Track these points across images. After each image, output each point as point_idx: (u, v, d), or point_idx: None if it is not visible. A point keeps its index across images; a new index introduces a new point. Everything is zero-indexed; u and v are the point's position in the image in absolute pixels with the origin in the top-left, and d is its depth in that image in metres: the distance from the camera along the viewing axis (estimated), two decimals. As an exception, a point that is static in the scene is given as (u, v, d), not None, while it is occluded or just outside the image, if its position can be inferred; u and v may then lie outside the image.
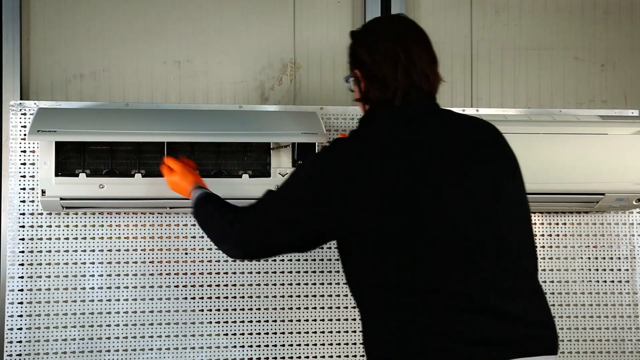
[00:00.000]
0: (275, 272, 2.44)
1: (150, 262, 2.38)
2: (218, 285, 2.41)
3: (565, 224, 2.56)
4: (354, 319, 2.45)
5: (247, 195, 2.22)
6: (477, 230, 1.44)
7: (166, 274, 2.39)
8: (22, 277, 2.33)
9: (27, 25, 2.58)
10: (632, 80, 2.90)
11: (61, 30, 2.61)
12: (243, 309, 2.42)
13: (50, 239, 2.35)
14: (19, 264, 2.33)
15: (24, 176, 2.33)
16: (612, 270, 2.56)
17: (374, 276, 1.46)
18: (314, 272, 2.45)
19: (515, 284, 1.46)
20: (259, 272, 2.43)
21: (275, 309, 2.43)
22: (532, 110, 2.60)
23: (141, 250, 2.39)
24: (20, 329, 2.32)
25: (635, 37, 2.91)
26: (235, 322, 2.41)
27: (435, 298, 1.40)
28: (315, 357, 2.44)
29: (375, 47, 1.57)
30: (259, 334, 2.42)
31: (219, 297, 2.41)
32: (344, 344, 2.44)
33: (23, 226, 2.33)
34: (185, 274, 2.40)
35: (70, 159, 2.18)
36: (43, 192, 2.15)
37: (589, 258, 2.56)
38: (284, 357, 2.43)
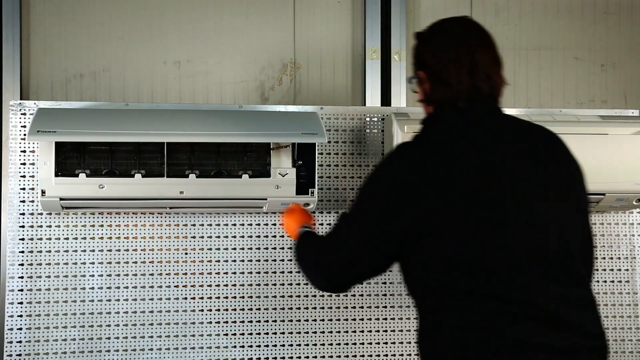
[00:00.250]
0: (275, 272, 2.44)
1: (150, 262, 2.38)
2: (218, 285, 2.41)
3: (565, 224, 2.56)
4: (354, 319, 2.45)
5: (247, 195, 2.22)
6: (543, 237, 1.45)
7: (166, 274, 2.39)
8: (22, 277, 2.33)
9: (27, 25, 2.58)
10: (632, 80, 2.90)
11: (61, 30, 2.62)
12: (243, 309, 2.42)
13: (50, 239, 2.34)
14: (19, 264, 2.33)
15: (24, 176, 2.33)
16: (612, 270, 2.56)
17: (440, 280, 1.46)
18: (314, 272, 2.45)
19: (576, 294, 1.47)
20: (258, 273, 2.43)
21: (275, 309, 2.43)
22: (532, 110, 2.60)
23: (141, 250, 2.39)
24: (20, 329, 2.32)
25: (635, 37, 2.91)
26: (235, 322, 2.41)
27: (500, 304, 1.41)
28: (315, 357, 2.44)
29: (440, 49, 1.57)
30: (259, 334, 2.42)
31: (218, 297, 2.41)
32: (344, 344, 2.44)
33: (23, 226, 2.33)
34: (185, 274, 2.40)
35: (70, 159, 2.17)
36: (43, 192, 2.14)
37: (589, 258, 2.56)
38: (283, 357, 2.42)
